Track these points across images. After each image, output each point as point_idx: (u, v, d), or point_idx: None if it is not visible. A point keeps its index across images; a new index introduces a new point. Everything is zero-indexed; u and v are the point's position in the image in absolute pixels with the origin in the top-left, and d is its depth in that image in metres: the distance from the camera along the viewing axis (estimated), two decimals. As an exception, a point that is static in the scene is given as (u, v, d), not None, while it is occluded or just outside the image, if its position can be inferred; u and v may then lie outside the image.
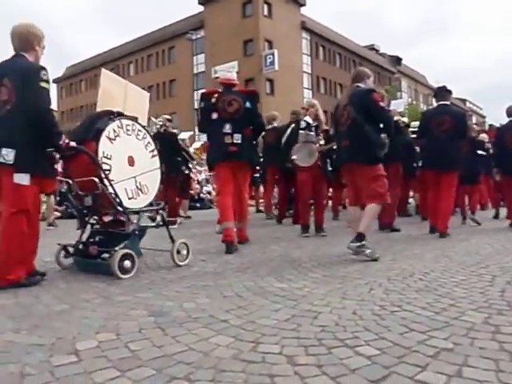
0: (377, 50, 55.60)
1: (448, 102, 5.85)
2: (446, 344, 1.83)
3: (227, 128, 4.62)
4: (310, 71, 42.21)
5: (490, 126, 9.39)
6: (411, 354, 1.74)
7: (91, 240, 3.69)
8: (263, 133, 6.05)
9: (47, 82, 3.04)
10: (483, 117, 70.22)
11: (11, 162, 2.91)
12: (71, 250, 3.69)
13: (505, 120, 6.77)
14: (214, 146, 4.85)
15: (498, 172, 6.86)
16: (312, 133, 5.82)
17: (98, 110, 3.78)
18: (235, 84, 4.93)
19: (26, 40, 3.11)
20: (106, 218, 3.84)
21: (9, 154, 2.90)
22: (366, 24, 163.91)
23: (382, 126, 4.17)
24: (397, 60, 56.12)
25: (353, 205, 4.43)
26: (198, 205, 12.86)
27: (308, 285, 2.94)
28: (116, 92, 4.01)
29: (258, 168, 7.67)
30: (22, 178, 2.96)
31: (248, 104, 4.72)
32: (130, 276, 3.28)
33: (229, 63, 36.85)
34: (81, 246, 3.68)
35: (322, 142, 5.93)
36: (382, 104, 4.24)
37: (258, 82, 35.55)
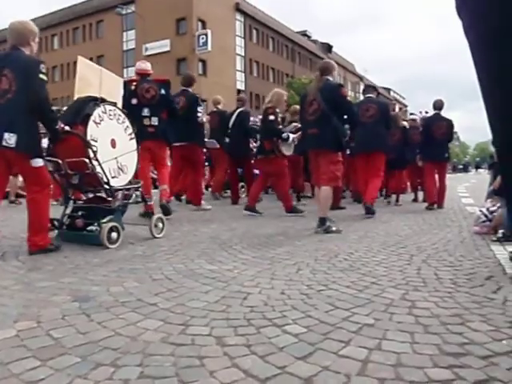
0: (309, 37, 56.46)
1: (374, 96, 6.30)
2: (367, 320, 1.93)
3: (146, 112, 5.34)
4: (243, 54, 42.00)
5: (411, 114, 10.05)
6: (336, 330, 1.82)
7: (74, 214, 4.07)
8: (204, 115, 6.90)
9: (45, 74, 3.33)
10: (405, 106, 74.13)
11: (13, 146, 3.17)
12: (56, 223, 3.98)
13: (425, 110, 7.35)
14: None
15: (421, 158, 7.45)
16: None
17: (76, 96, 4.02)
18: (150, 74, 5.65)
19: (23, 35, 3.39)
20: (87, 196, 4.29)
21: (11, 138, 3.16)
22: (299, 10, 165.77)
23: (345, 117, 4.69)
24: (328, 47, 57.42)
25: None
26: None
27: (238, 266, 2.97)
28: (92, 78, 4.21)
29: (204, 150, 7.98)
30: (38, 161, 3.36)
31: (163, 91, 5.43)
32: (115, 246, 3.67)
33: (160, 41, 35.83)
34: (65, 220, 4.02)
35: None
36: (348, 99, 4.89)
37: (190, 62, 34.83)
